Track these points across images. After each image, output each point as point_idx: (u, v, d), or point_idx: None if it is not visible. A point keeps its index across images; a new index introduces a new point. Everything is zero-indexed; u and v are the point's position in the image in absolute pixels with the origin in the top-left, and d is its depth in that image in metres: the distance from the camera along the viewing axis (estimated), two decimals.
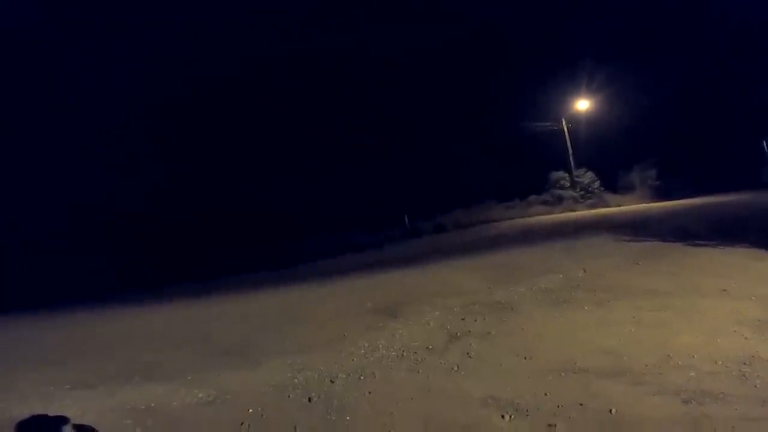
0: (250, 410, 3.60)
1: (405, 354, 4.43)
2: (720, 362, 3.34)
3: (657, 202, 21.28)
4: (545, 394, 3.18)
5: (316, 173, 23.58)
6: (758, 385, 2.93)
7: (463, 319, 5.32)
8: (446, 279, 8.08)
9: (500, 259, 9.73)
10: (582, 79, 25.00)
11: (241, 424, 3.40)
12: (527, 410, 2.99)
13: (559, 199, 23.36)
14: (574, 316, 4.97)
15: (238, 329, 6.50)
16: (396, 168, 24.02)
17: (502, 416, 2.96)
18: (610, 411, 2.85)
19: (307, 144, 24.18)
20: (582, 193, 23.61)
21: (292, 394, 3.83)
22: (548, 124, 25.47)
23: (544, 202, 23.10)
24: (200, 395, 4.03)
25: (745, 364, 3.26)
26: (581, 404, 2.98)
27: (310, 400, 3.66)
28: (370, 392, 3.66)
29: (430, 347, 4.54)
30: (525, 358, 3.93)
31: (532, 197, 23.63)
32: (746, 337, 3.74)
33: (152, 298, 10.98)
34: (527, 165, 24.79)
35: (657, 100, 25.57)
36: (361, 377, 3.98)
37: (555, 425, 2.76)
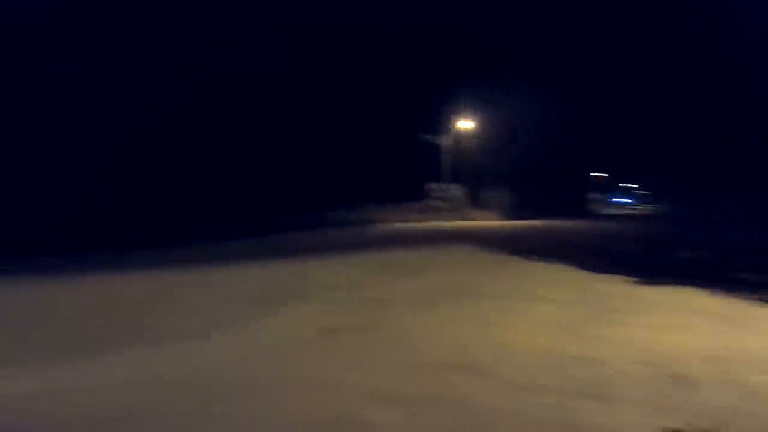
0: (99, 403, 3.32)
1: (276, 347, 4.48)
2: (542, 357, 4.05)
3: (509, 221, 24.32)
4: (407, 386, 3.49)
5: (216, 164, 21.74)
6: (561, 378, 3.59)
7: (337, 314, 5.56)
8: (324, 274, 8.28)
9: (374, 258, 10.26)
10: (465, 101, 27.41)
11: (91, 418, 3.10)
12: (393, 400, 3.23)
13: (432, 209, 25.23)
14: (433, 314, 5.55)
15: (97, 315, 5.83)
16: (281, 163, 23.51)
17: (369, 407, 3.13)
18: (464, 401, 3.21)
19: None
20: (452, 205, 25.84)
21: (153, 386, 3.64)
22: (431, 136, 27.34)
23: (418, 210, 24.72)
24: (29, 386, 3.54)
25: (550, 357, 4.03)
26: (438, 393, 3.35)
27: (176, 390, 3.51)
28: (238, 384, 3.65)
29: (303, 340, 4.66)
30: (391, 352, 4.26)
31: (409, 204, 25.11)
32: (551, 336, 4.63)
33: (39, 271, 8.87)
34: (408, 173, 26.27)
35: (517, 131, 29.16)
36: (230, 369, 3.94)
37: (418, 414, 3.04)
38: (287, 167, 23.30)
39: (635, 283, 7.51)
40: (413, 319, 5.37)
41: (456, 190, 26.80)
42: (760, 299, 6.29)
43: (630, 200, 53.67)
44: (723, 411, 2.99)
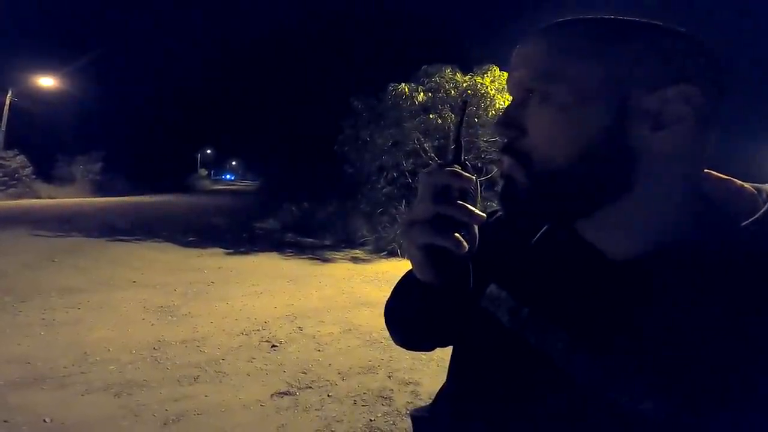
0: None
1: None
2: (135, 351, 3.64)
3: (97, 197, 20.96)
4: None
5: None
6: (170, 367, 3.39)
7: None
8: None
9: None
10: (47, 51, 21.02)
11: None
12: None
13: None
14: None
15: None
16: None
17: None
18: (45, 421, 2.57)
19: None
20: (6, 179, 19.60)
21: None
22: None
23: None
24: None
25: (155, 349, 3.70)
26: (7, 421, 2.56)
27: None
28: None
29: None
30: None
31: None
32: (153, 324, 4.30)
33: None
34: None
35: (115, 95, 25.43)
36: None
37: None
38: None
39: (227, 254, 7.99)
40: None
41: (14, 160, 20.40)
42: (314, 257, 8.09)
43: (232, 176, 58.73)
44: (308, 365, 3.41)
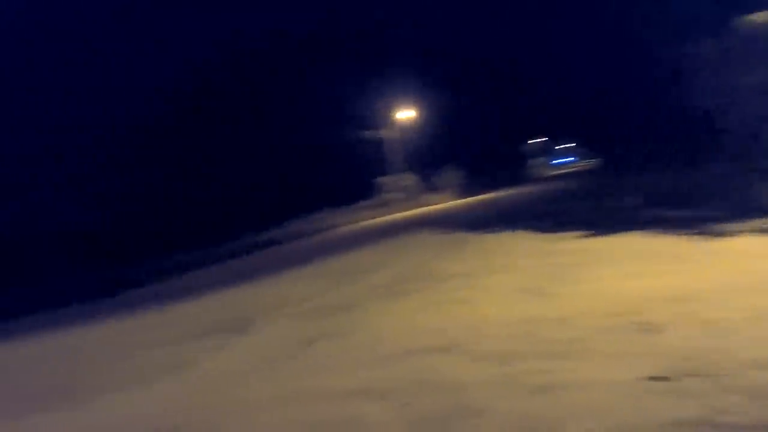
0: None
1: (258, 367, 4.45)
2: (511, 326, 4.20)
3: (462, 198, 24.96)
4: (395, 377, 3.57)
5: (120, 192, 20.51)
6: (540, 342, 3.75)
7: (311, 324, 5.56)
8: (288, 288, 8.22)
9: (337, 263, 10.28)
10: (401, 90, 27.77)
11: None
12: (383, 395, 3.29)
13: (386, 203, 25.43)
14: (405, 304, 5.69)
15: (58, 368, 5.58)
16: (220, 183, 22.77)
17: (363, 405, 3.19)
18: (446, 382, 3.31)
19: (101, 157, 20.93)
20: (406, 195, 26.18)
21: (137, 428, 3.55)
22: (370, 131, 27.51)
23: (373, 207, 24.84)
24: None
25: (528, 325, 4.16)
26: (424, 380, 3.42)
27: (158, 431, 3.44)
28: (227, 410, 3.61)
29: (283, 355, 4.64)
30: (372, 348, 4.34)
31: (362, 203, 25.18)
32: (525, 303, 4.80)
33: None
34: (356, 173, 26.36)
35: (457, 111, 30.06)
36: (215, 397, 3.88)
37: (409, 403, 3.12)
38: (231, 188, 22.68)
39: (584, 236, 7.94)
40: (386, 313, 5.48)
41: (407, 179, 27.15)
42: (693, 233, 6.63)
43: (571, 159, 56.54)
44: (695, 351, 3.08)
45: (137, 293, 11.32)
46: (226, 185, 22.69)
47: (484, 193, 24.58)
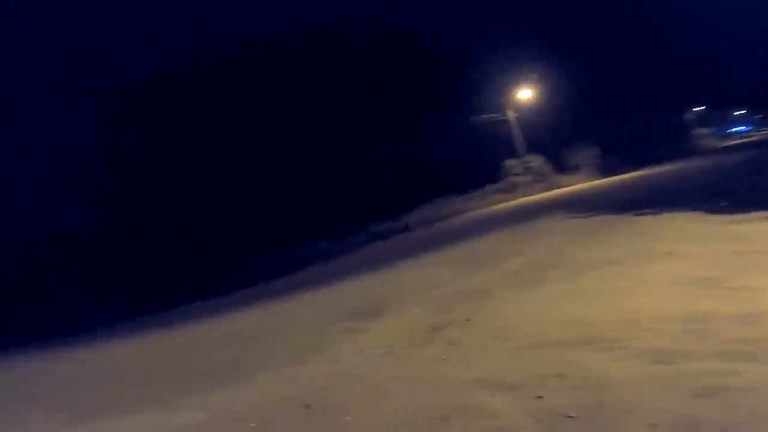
0: (253, 425, 3.66)
1: (390, 351, 4.59)
2: (675, 321, 3.63)
3: (602, 178, 22.56)
4: (528, 369, 3.39)
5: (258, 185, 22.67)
6: (715, 340, 3.19)
7: (441, 311, 5.56)
8: (419, 275, 8.33)
9: (468, 249, 10.10)
10: (522, 70, 26.14)
11: None
12: (514, 386, 3.16)
13: (514, 186, 24.28)
14: (542, 292, 5.32)
15: (218, 351, 6.48)
16: (350, 171, 23.96)
17: (492, 395, 3.11)
18: (589, 378, 3.03)
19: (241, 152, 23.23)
20: (534, 177, 24.66)
21: (290, 403, 3.92)
22: (495, 115, 26.43)
23: (501, 191, 23.93)
24: (189, 418, 4.03)
25: (699, 320, 3.55)
26: (562, 374, 3.18)
27: (307, 407, 3.75)
28: (363, 391, 3.79)
29: (414, 341, 4.72)
30: (504, 338, 4.17)
31: (489, 187, 24.41)
32: (694, 295, 4.09)
33: (112, 333, 10.45)
34: (481, 157, 25.58)
35: (587, 82, 27.12)
36: (352, 378, 4.11)
37: (542, 397, 2.96)
38: (361, 177, 23.66)
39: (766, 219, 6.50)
40: (521, 302, 5.20)
41: (535, 161, 25.49)
42: None
43: (746, 127, 48.06)
44: None
45: (287, 280, 12.56)
46: (358, 173, 23.79)
47: (630, 172, 21.85)
